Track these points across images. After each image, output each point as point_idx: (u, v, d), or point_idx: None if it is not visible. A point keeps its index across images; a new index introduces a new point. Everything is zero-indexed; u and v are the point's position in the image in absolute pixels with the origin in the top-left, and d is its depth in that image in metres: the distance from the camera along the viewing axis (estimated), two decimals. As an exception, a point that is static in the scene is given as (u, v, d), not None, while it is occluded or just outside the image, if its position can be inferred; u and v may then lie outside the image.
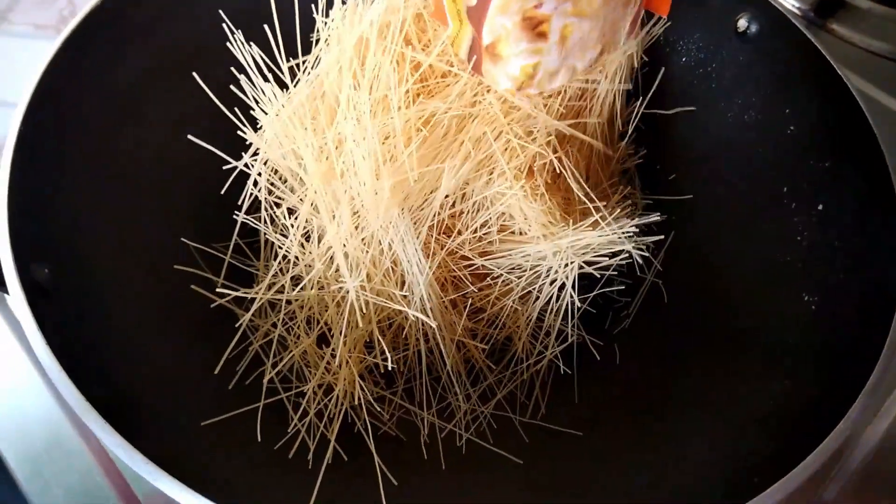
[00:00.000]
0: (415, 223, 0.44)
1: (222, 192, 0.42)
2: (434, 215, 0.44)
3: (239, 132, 0.42)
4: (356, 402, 0.42)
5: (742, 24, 0.49)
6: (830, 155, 0.44)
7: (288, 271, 0.44)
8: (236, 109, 0.42)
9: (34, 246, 0.36)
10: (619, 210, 0.48)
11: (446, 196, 0.44)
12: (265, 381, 0.43)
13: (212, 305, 0.44)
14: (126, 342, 0.40)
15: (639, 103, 0.50)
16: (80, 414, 0.31)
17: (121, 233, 0.43)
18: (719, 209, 0.50)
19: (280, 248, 0.44)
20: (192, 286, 0.43)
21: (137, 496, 0.46)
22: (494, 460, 0.43)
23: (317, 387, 0.43)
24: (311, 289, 0.44)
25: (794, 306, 0.43)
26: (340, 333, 0.42)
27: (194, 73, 0.43)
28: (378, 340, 0.43)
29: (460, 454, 0.45)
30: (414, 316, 0.43)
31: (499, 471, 0.43)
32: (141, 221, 0.44)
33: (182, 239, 0.46)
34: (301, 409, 0.42)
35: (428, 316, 0.43)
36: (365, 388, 0.43)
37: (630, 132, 0.52)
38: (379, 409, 0.44)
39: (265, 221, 0.44)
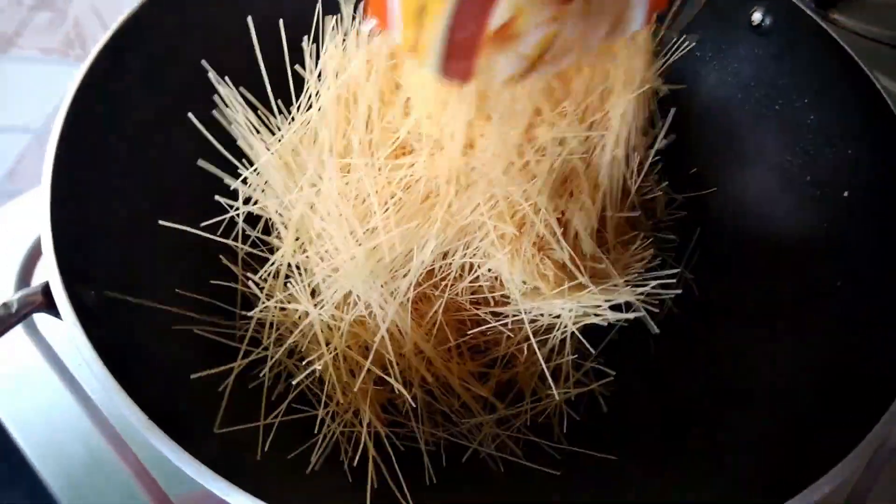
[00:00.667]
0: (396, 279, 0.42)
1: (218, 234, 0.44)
2: (415, 279, 0.42)
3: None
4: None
5: (756, 17, 0.50)
6: (853, 142, 0.45)
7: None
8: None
9: (79, 269, 0.36)
10: (632, 258, 0.46)
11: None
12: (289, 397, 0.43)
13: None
14: (170, 357, 0.41)
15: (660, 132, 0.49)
16: (143, 431, 0.31)
17: (159, 251, 0.43)
18: (742, 203, 0.51)
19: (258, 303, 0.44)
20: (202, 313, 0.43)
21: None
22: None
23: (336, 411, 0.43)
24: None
25: (826, 291, 0.43)
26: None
27: (190, 115, 0.44)
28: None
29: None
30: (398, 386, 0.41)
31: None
32: (176, 237, 0.44)
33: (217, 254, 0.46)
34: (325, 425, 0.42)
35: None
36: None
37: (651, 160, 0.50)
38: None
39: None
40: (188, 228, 0.42)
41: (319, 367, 0.40)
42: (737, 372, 0.45)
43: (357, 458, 0.39)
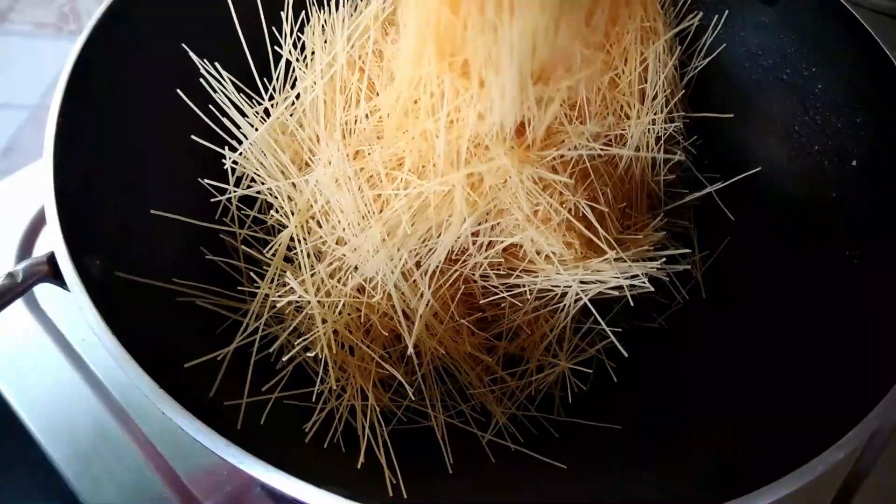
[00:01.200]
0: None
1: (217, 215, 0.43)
2: (436, 264, 0.41)
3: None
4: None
5: (770, -10, 0.49)
6: (862, 111, 0.45)
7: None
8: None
9: (84, 239, 0.36)
10: (650, 236, 0.46)
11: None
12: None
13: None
14: (171, 334, 0.40)
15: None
16: (155, 401, 0.31)
17: (161, 220, 0.42)
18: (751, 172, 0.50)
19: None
20: (198, 299, 0.43)
21: (187, 486, 0.46)
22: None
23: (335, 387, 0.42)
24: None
25: (836, 261, 0.43)
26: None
27: (178, 91, 0.43)
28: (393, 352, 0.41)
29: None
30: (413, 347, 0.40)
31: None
32: (180, 206, 0.43)
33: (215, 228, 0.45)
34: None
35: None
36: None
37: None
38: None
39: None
40: (182, 218, 0.42)
41: (316, 349, 0.40)
42: (743, 352, 0.45)
43: (363, 434, 0.39)
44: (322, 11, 0.48)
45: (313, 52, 0.47)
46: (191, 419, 0.30)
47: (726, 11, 0.51)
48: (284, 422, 0.38)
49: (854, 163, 0.45)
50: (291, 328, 0.41)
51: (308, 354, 0.41)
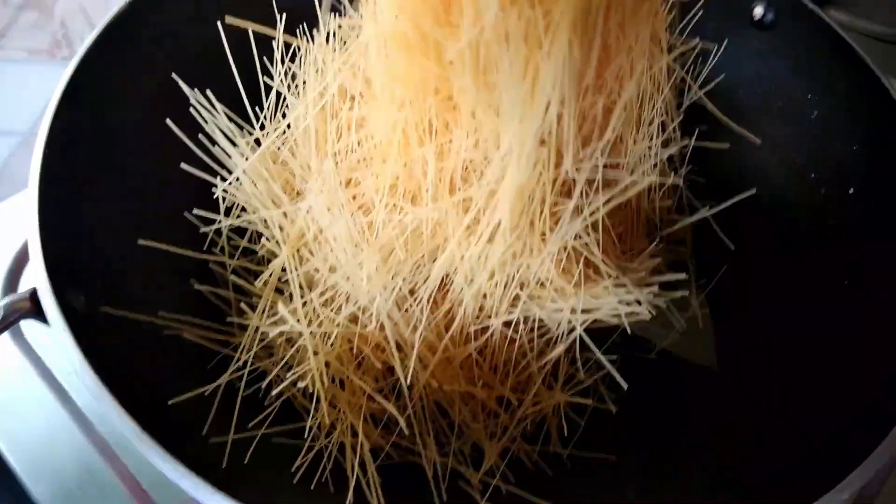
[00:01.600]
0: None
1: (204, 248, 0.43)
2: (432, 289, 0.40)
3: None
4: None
5: (758, 11, 0.49)
6: (859, 137, 0.44)
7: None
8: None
9: (68, 274, 0.35)
10: (647, 262, 0.45)
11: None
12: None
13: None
14: (161, 364, 0.39)
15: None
16: (135, 443, 0.30)
17: (148, 252, 0.41)
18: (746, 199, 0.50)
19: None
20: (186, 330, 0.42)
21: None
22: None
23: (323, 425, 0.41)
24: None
25: (833, 290, 0.42)
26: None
27: (168, 121, 0.42)
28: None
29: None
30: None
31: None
32: (169, 237, 0.43)
33: (205, 255, 0.45)
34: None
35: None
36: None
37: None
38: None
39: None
40: (171, 248, 0.41)
41: (307, 381, 0.39)
42: (742, 377, 0.45)
43: (352, 472, 0.38)
44: (313, 42, 0.48)
45: (305, 82, 0.47)
46: (173, 463, 0.29)
47: (726, 39, 0.51)
48: (272, 460, 0.37)
49: (851, 190, 0.44)
50: (283, 362, 0.40)
51: (299, 385, 0.40)
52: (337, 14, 0.48)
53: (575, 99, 0.34)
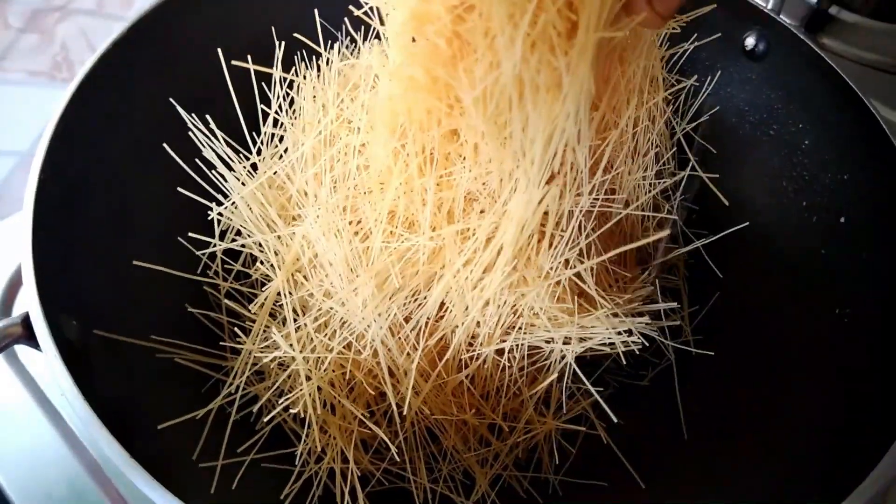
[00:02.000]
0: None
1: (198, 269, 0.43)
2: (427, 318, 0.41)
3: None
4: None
5: (750, 42, 0.50)
6: (850, 166, 0.45)
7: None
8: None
9: (61, 299, 0.35)
10: (640, 290, 0.46)
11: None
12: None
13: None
14: (151, 393, 0.39)
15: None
16: (124, 470, 0.30)
17: (142, 277, 0.42)
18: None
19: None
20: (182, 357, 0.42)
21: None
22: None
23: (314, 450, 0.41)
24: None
25: (825, 319, 0.42)
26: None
27: (165, 145, 0.43)
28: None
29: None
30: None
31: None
32: (162, 261, 0.43)
33: (197, 278, 0.45)
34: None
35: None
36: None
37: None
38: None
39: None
40: (165, 269, 0.41)
41: (298, 407, 0.39)
42: (735, 406, 0.45)
43: (341, 498, 0.37)
44: (310, 69, 0.49)
45: (302, 108, 0.48)
46: (160, 490, 0.29)
47: (718, 72, 0.51)
48: (261, 485, 0.37)
49: (842, 219, 0.44)
50: (275, 387, 0.40)
51: (292, 411, 0.40)
52: (333, 43, 0.48)
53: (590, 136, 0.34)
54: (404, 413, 0.39)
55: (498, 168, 0.35)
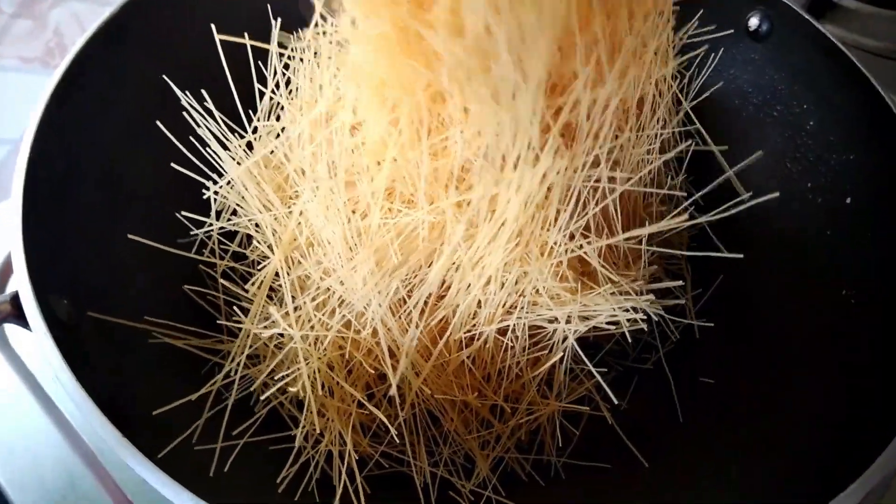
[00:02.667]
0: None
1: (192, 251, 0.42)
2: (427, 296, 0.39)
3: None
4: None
5: (753, 22, 0.49)
6: (855, 147, 0.44)
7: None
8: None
9: (51, 279, 0.34)
10: (644, 270, 0.44)
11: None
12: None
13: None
14: (147, 375, 0.39)
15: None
16: (117, 450, 0.29)
17: (136, 257, 0.41)
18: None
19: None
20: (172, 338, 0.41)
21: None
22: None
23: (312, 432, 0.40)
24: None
25: (832, 301, 0.42)
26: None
27: (158, 122, 0.42)
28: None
29: None
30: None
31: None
32: (157, 240, 0.42)
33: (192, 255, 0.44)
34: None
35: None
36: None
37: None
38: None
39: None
40: (160, 246, 0.41)
41: (297, 388, 0.38)
42: (739, 387, 0.44)
43: (338, 482, 0.37)
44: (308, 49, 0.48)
45: (298, 87, 0.47)
46: (153, 470, 0.28)
47: (721, 49, 0.50)
48: (258, 468, 0.37)
49: (848, 200, 0.44)
50: (270, 368, 0.39)
51: (290, 390, 0.39)
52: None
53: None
54: (403, 394, 0.38)
55: (488, 120, 0.33)
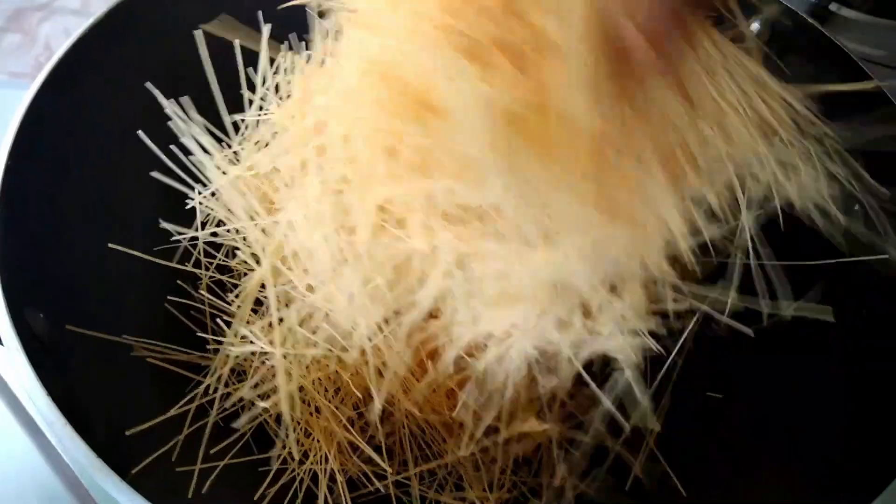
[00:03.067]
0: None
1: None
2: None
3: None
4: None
5: (755, 28, 0.48)
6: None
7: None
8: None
9: (28, 289, 0.33)
10: None
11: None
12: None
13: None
14: (128, 392, 0.37)
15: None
16: (91, 471, 0.27)
17: (116, 270, 0.39)
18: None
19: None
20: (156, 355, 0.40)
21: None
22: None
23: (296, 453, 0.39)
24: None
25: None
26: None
27: (140, 132, 0.41)
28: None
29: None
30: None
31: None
32: (134, 260, 0.41)
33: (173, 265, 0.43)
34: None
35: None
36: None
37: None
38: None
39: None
40: (142, 255, 0.39)
41: (278, 406, 0.36)
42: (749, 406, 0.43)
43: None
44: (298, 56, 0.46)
45: (289, 95, 0.45)
46: (129, 492, 0.27)
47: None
48: (240, 489, 0.35)
49: (856, 207, 0.42)
50: (253, 384, 0.38)
51: (272, 411, 0.37)
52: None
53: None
54: (392, 414, 0.36)
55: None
